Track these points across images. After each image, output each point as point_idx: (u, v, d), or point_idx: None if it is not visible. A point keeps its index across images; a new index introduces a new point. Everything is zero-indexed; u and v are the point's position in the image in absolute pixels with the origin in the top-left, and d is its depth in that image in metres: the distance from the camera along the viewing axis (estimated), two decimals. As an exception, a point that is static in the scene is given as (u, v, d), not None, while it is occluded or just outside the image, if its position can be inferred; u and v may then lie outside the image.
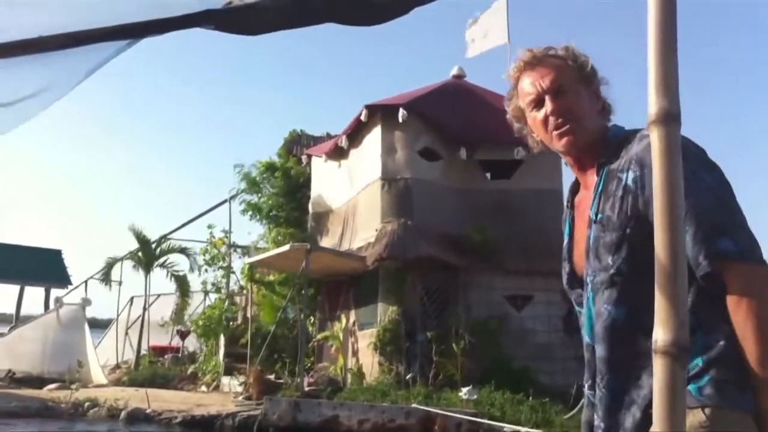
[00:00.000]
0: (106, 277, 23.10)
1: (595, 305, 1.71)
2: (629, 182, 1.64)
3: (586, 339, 1.79)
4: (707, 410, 1.49)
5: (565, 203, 1.98)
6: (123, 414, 13.07)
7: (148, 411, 13.05)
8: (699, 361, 1.53)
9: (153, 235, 22.88)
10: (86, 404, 13.70)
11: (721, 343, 1.53)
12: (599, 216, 1.69)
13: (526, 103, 1.85)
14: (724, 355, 1.52)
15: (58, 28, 1.43)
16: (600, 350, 1.69)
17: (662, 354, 0.85)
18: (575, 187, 1.93)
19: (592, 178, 1.79)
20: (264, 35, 1.56)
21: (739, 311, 1.49)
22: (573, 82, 1.80)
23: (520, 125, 1.93)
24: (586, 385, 1.83)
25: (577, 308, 1.88)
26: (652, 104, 0.90)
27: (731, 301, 1.50)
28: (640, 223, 1.58)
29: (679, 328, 0.85)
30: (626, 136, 1.75)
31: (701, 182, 1.56)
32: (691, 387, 1.51)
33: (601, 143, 1.79)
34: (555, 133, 1.79)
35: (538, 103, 1.81)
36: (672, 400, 0.84)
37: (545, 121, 1.80)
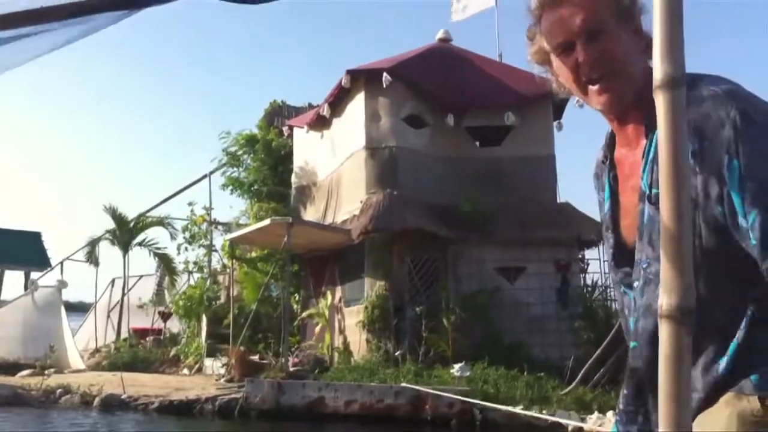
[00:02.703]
0: (90, 256, 22.36)
1: (643, 297, 1.43)
2: None
3: (631, 340, 1.51)
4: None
5: (601, 157, 1.59)
6: (96, 401, 12.60)
7: (123, 397, 12.57)
8: None
9: (132, 214, 22.22)
10: (58, 391, 13.19)
11: None
12: (654, 191, 1.35)
13: (552, 46, 1.47)
14: None
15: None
16: (647, 351, 1.43)
17: (666, 318, 0.83)
18: (612, 141, 1.55)
19: (636, 134, 1.46)
20: (264, 4, 1.49)
21: None
22: (610, 19, 1.41)
23: (544, 68, 1.56)
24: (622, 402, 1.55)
25: (622, 289, 1.53)
26: (657, 70, 0.89)
27: None
28: (701, 209, 1.28)
29: (684, 292, 0.83)
30: None
31: None
32: (753, 377, 1.28)
33: (648, 91, 1.20)
34: (592, 88, 1.43)
35: (567, 48, 1.44)
36: (677, 365, 0.81)
37: (576, 70, 1.43)
